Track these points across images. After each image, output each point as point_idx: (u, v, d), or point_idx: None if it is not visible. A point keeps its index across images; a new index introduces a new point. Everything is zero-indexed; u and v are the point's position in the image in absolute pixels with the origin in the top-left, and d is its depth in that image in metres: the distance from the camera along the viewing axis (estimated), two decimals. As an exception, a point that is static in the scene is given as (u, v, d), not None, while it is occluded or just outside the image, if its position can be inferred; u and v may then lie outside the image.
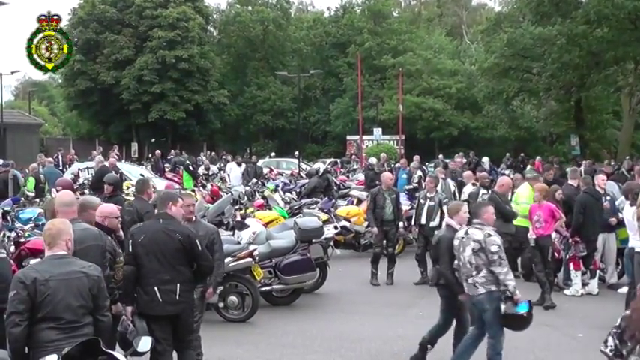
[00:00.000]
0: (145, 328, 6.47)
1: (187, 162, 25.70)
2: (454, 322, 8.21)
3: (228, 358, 8.65)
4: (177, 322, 6.67)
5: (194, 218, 8.10)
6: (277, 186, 20.91)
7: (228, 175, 24.72)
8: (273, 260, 11.03)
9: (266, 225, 13.58)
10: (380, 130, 45.88)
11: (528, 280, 12.42)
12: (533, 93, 38.86)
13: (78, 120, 59.13)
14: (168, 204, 6.87)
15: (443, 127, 49.16)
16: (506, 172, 25.92)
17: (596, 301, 11.42)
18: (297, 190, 20.65)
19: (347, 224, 15.40)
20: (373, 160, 24.67)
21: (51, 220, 5.91)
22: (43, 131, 54.44)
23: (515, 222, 12.11)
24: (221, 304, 10.17)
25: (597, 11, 29.56)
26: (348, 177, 26.54)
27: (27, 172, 18.81)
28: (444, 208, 12.87)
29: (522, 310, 7.43)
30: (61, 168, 24.78)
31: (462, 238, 7.64)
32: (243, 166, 25.21)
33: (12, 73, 42.20)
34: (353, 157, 39.65)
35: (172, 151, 36.15)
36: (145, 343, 5.71)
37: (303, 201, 17.59)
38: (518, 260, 12.92)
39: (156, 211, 7.24)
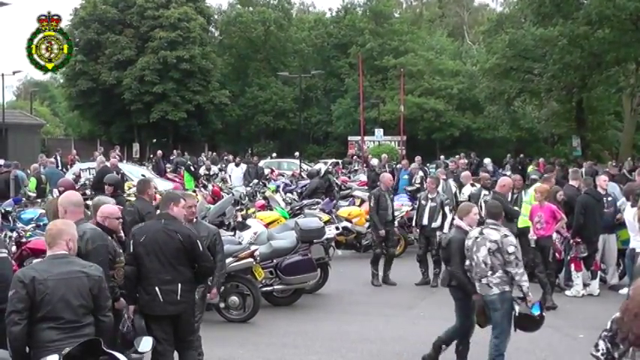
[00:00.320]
0: (143, 327, 6.47)
1: (188, 162, 25.71)
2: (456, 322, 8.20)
3: (230, 359, 8.65)
4: (178, 322, 6.68)
5: (195, 219, 8.10)
6: (278, 186, 20.93)
7: (230, 176, 24.75)
8: (275, 261, 11.03)
9: (267, 225, 13.59)
10: (381, 130, 45.89)
11: (530, 280, 12.40)
12: (535, 94, 38.82)
13: (79, 120, 59.19)
14: (170, 204, 6.88)
15: (444, 128, 49.15)
16: (507, 173, 25.93)
17: (597, 302, 11.41)
18: (299, 191, 20.66)
19: (348, 225, 15.39)
20: (374, 161, 24.69)
21: (53, 220, 5.93)
22: (44, 131, 54.49)
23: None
24: (222, 305, 10.17)
25: (599, 12, 29.54)
26: (349, 177, 26.54)
27: (28, 172, 18.83)
28: (446, 209, 12.90)
29: (536, 311, 7.45)
30: (60, 168, 24.79)
31: (477, 238, 7.61)
32: (243, 166, 25.22)
33: (13, 73, 42.29)
34: (354, 157, 39.65)
35: (175, 151, 36.17)
36: (145, 344, 5.71)
37: (305, 201, 17.59)
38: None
39: (158, 211, 7.26)
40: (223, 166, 30.09)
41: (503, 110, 41.47)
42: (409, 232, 14.99)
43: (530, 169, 26.57)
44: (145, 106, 49.52)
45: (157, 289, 6.54)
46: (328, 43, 57.60)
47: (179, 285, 6.60)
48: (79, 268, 5.21)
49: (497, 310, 7.45)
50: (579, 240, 11.93)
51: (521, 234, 11.70)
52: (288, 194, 19.61)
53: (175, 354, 6.82)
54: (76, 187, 14.58)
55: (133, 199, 11.84)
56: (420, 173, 19.74)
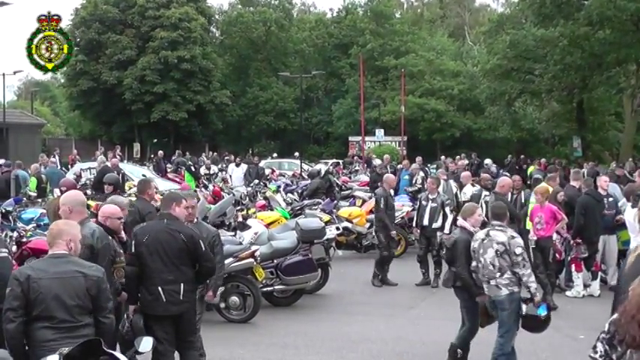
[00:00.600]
0: (141, 328, 6.47)
1: (189, 162, 25.71)
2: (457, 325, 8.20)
3: (230, 359, 8.65)
4: (179, 322, 6.68)
5: (196, 219, 8.10)
6: (279, 187, 20.92)
7: (230, 176, 24.76)
8: (275, 261, 11.03)
9: (268, 226, 13.59)
10: (382, 131, 45.87)
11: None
12: (536, 94, 38.81)
13: (80, 120, 59.20)
14: (172, 204, 6.89)
15: (445, 129, 49.11)
16: (506, 173, 25.91)
17: (597, 303, 11.40)
18: (299, 191, 20.66)
19: (349, 225, 15.40)
20: (377, 161, 24.70)
21: (54, 220, 5.94)
22: (45, 131, 54.53)
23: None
24: (223, 305, 10.18)
25: (600, 13, 29.53)
26: (350, 178, 26.55)
27: (29, 172, 18.84)
28: (447, 210, 12.91)
29: (543, 312, 7.46)
30: (60, 168, 24.80)
31: (483, 240, 7.61)
32: (243, 166, 25.22)
33: (14, 73, 42.28)
34: (355, 158, 39.63)
35: (176, 151, 36.17)
36: (146, 344, 5.72)
37: (305, 202, 17.59)
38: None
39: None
40: (224, 166, 30.09)
41: (503, 111, 41.46)
42: (410, 233, 14.99)
43: (531, 169, 26.57)
44: (146, 106, 49.52)
45: (159, 289, 6.55)
46: (329, 44, 57.57)
47: (182, 285, 6.61)
48: (76, 268, 5.20)
49: (504, 310, 7.47)
50: (580, 241, 11.93)
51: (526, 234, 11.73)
52: (289, 194, 19.61)
53: (176, 354, 6.83)
54: (77, 187, 14.60)
55: (133, 199, 11.83)
56: (421, 174, 19.75)
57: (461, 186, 16.18)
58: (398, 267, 13.30)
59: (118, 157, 24.41)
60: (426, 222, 12.92)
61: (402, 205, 16.11)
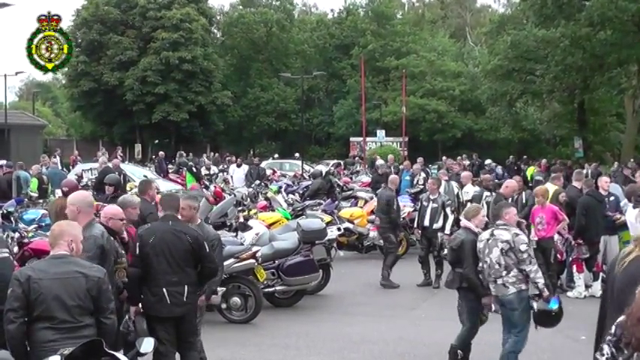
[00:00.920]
0: (144, 329, 6.47)
1: (190, 163, 25.72)
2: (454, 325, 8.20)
3: (231, 360, 8.66)
4: (181, 323, 6.68)
5: (200, 220, 8.10)
6: (280, 187, 20.92)
7: (231, 177, 24.76)
8: (276, 261, 11.03)
9: (269, 226, 13.59)
10: (383, 131, 45.87)
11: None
12: (537, 95, 38.80)
13: (81, 121, 59.26)
14: (175, 205, 6.90)
15: (446, 129, 49.12)
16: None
17: (599, 304, 11.38)
18: (300, 192, 20.66)
19: (350, 226, 15.39)
20: (379, 162, 24.72)
21: (56, 220, 5.95)
22: (46, 132, 54.56)
23: None
24: (224, 306, 10.17)
25: (601, 13, 29.52)
26: (351, 178, 26.54)
27: (30, 172, 18.85)
28: (447, 210, 12.91)
29: (554, 306, 7.47)
30: (61, 168, 24.81)
31: (488, 240, 7.63)
32: (244, 167, 25.22)
33: (16, 74, 42.32)
34: (356, 158, 39.62)
35: (179, 152, 36.16)
36: (147, 345, 5.72)
37: (307, 202, 17.59)
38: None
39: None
40: (225, 166, 30.08)
41: (505, 111, 41.46)
42: (411, 234, 14.98)
43: (529, 170, 26.56)
44: (147, 106, 49.56)
45: (164, 290, 6.54)
46: (330, 44, 57.59)
47: (185, 286, 6.61)
48: (77, 268, 5.20)
49: (515, 310, 7.48)
50: (581, 241, 11.92)
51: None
52: (290, 195, 19.61)
53: (177, 356, 6.83)
54: (79, 188, 14.60)
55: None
56: (422, 174, 19.75)
57: (461, 186, 16.18)
58: (399, 268, 13.29)
59: (119, 157, 24.40)
60: (426, 223, 12.91)
61: (404, 206, 16.08)
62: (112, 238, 6.53)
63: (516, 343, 7.53)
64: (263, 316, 10.34)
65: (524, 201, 13.36)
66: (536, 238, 11.43)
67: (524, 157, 36.10)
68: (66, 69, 52.47)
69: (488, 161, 29.40)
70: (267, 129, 55.98)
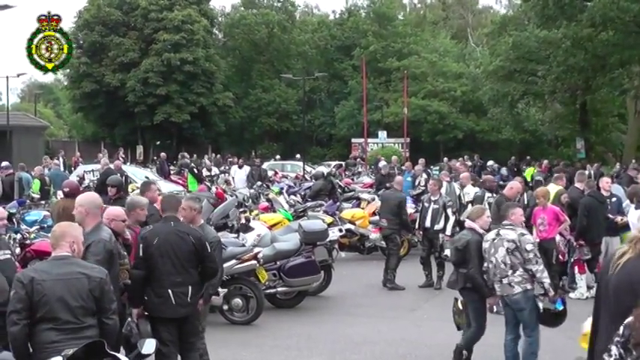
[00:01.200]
0: (148, 331, 6.47)
1: (192, 164, 25.71)
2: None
3: (233, 361, 8.66)
4: (184, 324, 6.69)
5: (202, 221, 8.10)
6: (282, 188, 20.92)
7: (233, 178, 24.75)
8: (278, 263, 11.03)
9: (271, 227, 13.59)
10: (385, 132, 45.88)
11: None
12: (539, 96, 38.80)
13: (83, 122, 59.30)
14: (177, 207, 6.91)
15: (448, 130, 49.11)
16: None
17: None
18: (302, 193, 20.65)
19: (352, 227, 15.38)
20: (382, 163, 24.72)
21: (60, 222, 5.95)
22: (48, 134, 54.61)
23: None
24: (225, 307, 10.18)
25: (603, 14, 29.50)
26: (353, 180, 26.54)
27: (32, 174, 18.87)
28: (448, 211, 12.91)
29: (560, 307, 7.48)
30: (64, 170, 24.83)
31: (494, 239, 7.64)
32: (246, 168, 25.21)
33: (18, 75, 42.44)
34: (358, 159, 39.60)
35: (180, 154, 36.15)
36: (149, 346, 5.72)
37: (308, 203, 17.58)
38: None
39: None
40: (226, 168, 30.07)
41: (506, 112, 41.46)
42: (412, 235, 14.97)
43: (528, 171, 26.52)
44: (149, 108, 49.59)
45: (169, 291, 6.55)
46: (332, 45, 57.61)
47: (189, 287, 6.63)
48: (79, 269, 5.21)
49: (523, 310, 7.50)
50: (582, 242, 11.90)
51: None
52: (292, 196, 19.61)
53: (178, 357, 6.83)
54: (80, 189, 14.61)
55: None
56: (424, 175, 19.75)
57: (461, 186, 16.17)
58: (401, 269, 13.28)
59: (120, 159, 24.41)
60: (428, 224, 12.91)
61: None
62: (114, 240, 6.53)
63: (531, 345, 7.54)
64: (264, 317, 10.34)
65: (525, 202, 13.36)
66: (537, 240, 11.40)
67: (528, 157, 36.02)
68: (68, 70, 52.66)
69: (490, 162, 29.34)
70: (268, 130, 56.00)
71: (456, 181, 16.96)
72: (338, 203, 17.75)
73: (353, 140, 48.59)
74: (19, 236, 11.12)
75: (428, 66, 51.68)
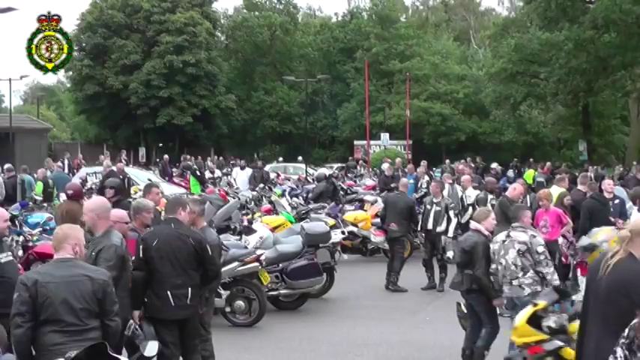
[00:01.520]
0: (152, 332, 6.48)
1: (194, 167, 25.72)
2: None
3: (235, 363, 8.66)
4: (185, 325, 6.70)
5: (204, 224, 8.10)
6: (284, 191, 20.90)
7: (235, 180, 24.75)
8: (280, 265, 11.03)
9: (273, 230, 13.58)
10: (387, 135, 45.81)
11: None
12: (541, 98, 38.81)
13: (86, 124, 59.34)
14: (178, 209, 6.90)
15: (450, 132, 49.09)
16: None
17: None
18: (304, 195, 20.64)
19: (354, 229, 15.38)
20: (385, 166, 24.69)
21: (61, 224, 5.96)
22: (51, 136, 54.64)
23: None
24: (228, 309, 10.17)
25: (605, 16, 29.52)
26: (355, 182, 26.51)
27: (35, 176, 18.88)
28: (451, 213, 12.90)
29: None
30: (67, 173, 24.83)
31: (504, 241, 7.64)
32: (248, 170, 25.21)
33: (21, 78, 42.47)
34: (360, 162, 39.54)
35: (183, 156, 36.18)
36: (151, 348, 5.72)
37: (311, 206, 17.57)
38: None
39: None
40: (229, 170, 30.07)
41: (509, 114, 41.48)
42: (415, 237, 14.97)
43: (529, 173, 26.45)
44: (151, 110, 49.62)
45: (168, 293, 6.56)
46: (334, 48, 57.60)
47: (189, 289, 6.64)
48: (83, 271, 5.22)
49: None
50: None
51: None
52: (294, 198, 19.59)
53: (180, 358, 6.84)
54: (83, 191, 14.62)
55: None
56: (426, 178, 19.73)
57: (463, 189, 16.15)
58: (403, 271, 13.27)
59: (123, 161, 24.43)
60: (430, 226, 12.91)
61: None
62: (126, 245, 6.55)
63: None
64: (267, 319, 10.33)
65: (528, 204, 13.34)
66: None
67: (531, 160, 35.96)
68: (70, 73, 52.78)
69: (494, 165, 29.21)
70: (271, 132, 56.01)
71: (458, 184, 16.94)
72: (340, 205, 17.74)
73: (355, 142, 48.56)
74: (21, 238, 11.13)
75: (430, 68, 51.67)
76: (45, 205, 16.41)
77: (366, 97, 45.73)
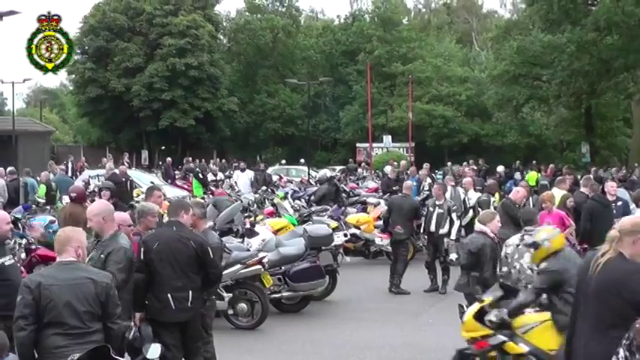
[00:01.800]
0: (150, 335, 6.48)
1: (197, 169, 25.72)
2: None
3: (238, 366, 8.65)
4: (186, 328, 6.70)
5: (205, 226, 8.10)
6: (287, 193, 20.91)
7: (236, 182, 24.75)
8: (283, 267, 11.03)
9: (275, 232, 13.59)
10: (389, 137, 45.84)
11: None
12: (543, 100, 38.79)
13: (88, 127, 59.36)
14: (180, 212, 6.91)
15: (453, 135, 49.07)
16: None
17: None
18: (307, 198, 20.64)
19: (357, 232, 15.38)
20: (387, 168, 24.69)
21: (64, 227, 5.96)
22: (54, 139, 54.70)
23: None
24: (231, 312, 10.18)
25: (607, 18, 29.52)
26: (357, 184, 26.51)
27: (38, 179, 18.90)
28: (453, 216, 12.89)
29: None
30: (70, 175, 24.85)
31: (518, 245, 7.62)
32: (248, 172, 25.20)
33: (24, 81, 42.43)
34: (362, 164, 39.54)
35: (186, 158, 36.18)
36: (154, 351, 5.72)
37: (313, 208, 17.58)
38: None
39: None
40: (231, 172, 30.08)
41: (511, 117, 41.47)
42: (417, 239, 14.96)
43: (531, 176, 26.43)
44: (154, 113, 49.63)
45: (169, 295, 6.57)
46: (336, 50, 57.61)
47: (190, 292, 6.64)
48: (85, 274, 5.22)
49: None
50: (586, 246, 11.86)
51: None
52: (297, 201, 19.59)
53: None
54: (86, 194, 14.64)
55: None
56: (428, 180, 19.73)
57: (465, 191, 16.16)
58: (406, 273, 13.27)
59: (126, 164, 24.44)
60: (432, 228, 12.91)
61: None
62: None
63: None
64: (269, 322, 10.33)
65: (531, 206, 13.32)
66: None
67: (534, 162, 35.90)
68: (73, 76, 52.82)
69: (500, 168, 29.09)
70: (273, 135, 56.00)
71: (461, 186, 16.94)
72: (343, 208, 17.73)
73: (358, 145, 48.57)
74: (24, 241, 11.14)
75: (433, 70, 51.65)
76: (48, 207, 16.42)
77: (369, 99, 45.73)
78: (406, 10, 66.96)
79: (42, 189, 17.68)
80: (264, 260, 10.50)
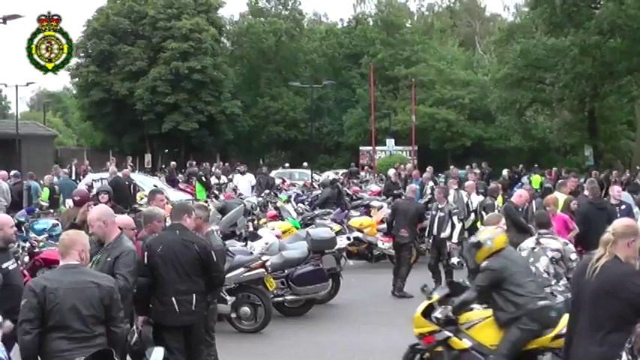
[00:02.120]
0: (150, 339, 6.48)
1: (200, 173, 25.75)
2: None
3: (241, 369, 8.65)
4: (190, 332, 6.70)
5: (210, 229, 8.10)
6: (290, 196, 20.92)
7: (236, 186, 24.75)
8: (286, 271, 11.02)
9: (279, 236, 13.59)
10: (392, 140, 45.87)
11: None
12: (547, 103, 38.79)
13: (92, 131, 59.52)
14: (183, 215, 6.91)
15: (456, 138, 49.10)
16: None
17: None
18: (310, 201, 20.65)
19: (360, 235, 15.37)
20: (391, 171, 24.70)
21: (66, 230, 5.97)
22: (57, 142, 54.76)
23: None
24: (234, 315, 10.17)
25: (610, 22, 29.53)
26: (360, 187, 26.51)
27: (41, 182, 18.93)
28: (454, 219, 12.87)
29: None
30: (74, 179, 24.87)
31: (534, 248, 7.63)
32: (248, 175, 25.20)
33: (27, 84, 42.42)
34: (366, 167, 39.54)
35: (189, 162, 36.21)
36: (157, 354, 5.72)
37: (316, 211, 17.58)
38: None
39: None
40: (233, 176, 30.08)
41: (514, 120, 41.44)
42: (421, 242, 14.95)
43: (535, 179, 26.39)
44: (157, 116, 49.73)
45: (173, 299, 6.56)
46: (340, 54, 57.68)
47: (194, 295, 6.63)
48: (90, 278, 5.23)
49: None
50: (581, 249, 11.82)
51: None
52: (300, 204, 19.61)
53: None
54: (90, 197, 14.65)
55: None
56: (431, 183, 19.73)
57: (468, 194, 16.13)
58: (409, 276, 13.25)
59: (129, 167, 24.47)
60: (434, 231, 12.90)
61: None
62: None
63: None
64: (272, 325, 10.33)
65: (534, 210, 13.29)
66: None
67: (536, 165, 35.87)
68: (76, 79, 52.91)
69: (505, 172, 29.01)
70: (276, 138, 56.05)
71: (464, 190, 16.92)
72: (346, 211, 17.73)
73: (361, 148, 48.61)
74: (27, 245, 11.15)
75: (436, 74, 51.70)
76: (51, 211, 16.45)
77: (372, 102, 45.76)
78: (409, 13, 67.01)
79: (45, 192, 17.69)
80: (267, 264, 10.50)
